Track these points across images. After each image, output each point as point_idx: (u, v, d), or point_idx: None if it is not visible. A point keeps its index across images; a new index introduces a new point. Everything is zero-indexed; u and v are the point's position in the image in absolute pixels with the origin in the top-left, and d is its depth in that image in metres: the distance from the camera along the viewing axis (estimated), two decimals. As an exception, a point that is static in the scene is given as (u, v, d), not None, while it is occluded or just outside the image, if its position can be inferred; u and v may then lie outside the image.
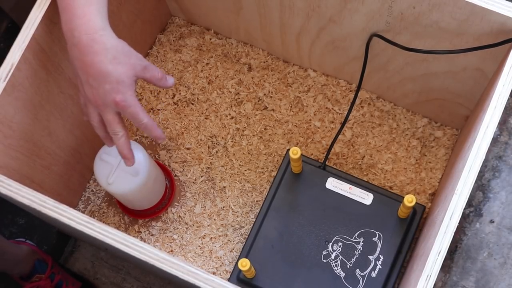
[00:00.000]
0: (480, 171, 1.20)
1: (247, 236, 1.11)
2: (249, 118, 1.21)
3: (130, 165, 0.93)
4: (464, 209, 0.81)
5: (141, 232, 1.17)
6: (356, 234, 1.08)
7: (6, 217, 1.30)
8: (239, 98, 1.23)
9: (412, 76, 1.08)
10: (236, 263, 1.08)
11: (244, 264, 0.97)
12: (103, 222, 1.18)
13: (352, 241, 1.08)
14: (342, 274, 1.06)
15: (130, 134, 1.22)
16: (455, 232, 0.80)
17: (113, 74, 0.83)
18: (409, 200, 0.99)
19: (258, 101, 1.23)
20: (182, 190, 1.19)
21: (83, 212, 1.20)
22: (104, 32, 0.83)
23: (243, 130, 1.21)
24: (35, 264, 1.22)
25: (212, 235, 1.16)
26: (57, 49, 0.95)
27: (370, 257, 1.07)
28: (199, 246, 1.15)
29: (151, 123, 0.89)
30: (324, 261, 1.07)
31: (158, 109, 1.23)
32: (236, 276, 1.08)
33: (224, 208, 1.17)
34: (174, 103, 1.24)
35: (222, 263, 1.14)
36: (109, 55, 0.83)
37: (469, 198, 0.93)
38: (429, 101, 1.14)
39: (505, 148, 1.22)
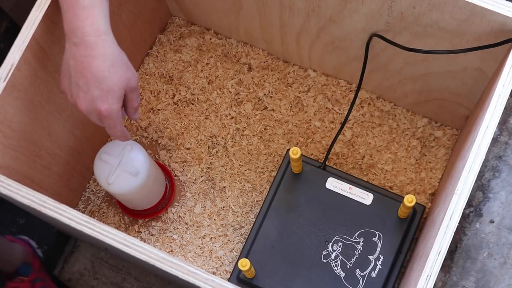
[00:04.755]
0: (480, 171, 1.20)
1: (247, 236, 1.11)
2: (249, 118, 1.21)
3: (125, 140, 0.95)
4: (464, 209, 0.81)
5: (141, 232, 1.17)
6: (356, 234, 1.08)
7: (6, 217, 1.30)
8: (239, 98, 1.23)
9: (412, 76, 1.08)
10: (236, 263, 1.08)
11: (244, 264, 0.97)
12: (103, 222, 1.18)
13: (352, 241, 1.08)
14: (342, 274, 1.06)
15: (130, 134, 1.22)
16: (455, 232, 0.80)
17: (106, 82, 0.83)
18: (409, 200, 0.99)
19: (258, 101, 1.23)
20: (182, 190, 1.19)
21: (83, 212, 1.20)
22: (107, 37, 0.83)
23: (243, 130, 1.21)
24: (20, 266, 1.22)
25: (212, 235, 1.16)
26: (57, 49, 0.95)
27: (370, 257, 1.07)
28: (199, 246, 1.16)
29: (124, 136, 0.92)
30: (324, 261, 1.07)
31: (158, 109, 1.23)
32: (236, 276, 1.08)
33: (224, 208, 1.17)
34: (174, 103, 1.24)
35: (222, 263, 1.14)
36: (107, 62, 0.83)
37: (469, 198, 0.93)
38: (429, 101, 1.14)
39: (505, 148, 1.22)
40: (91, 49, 0.82)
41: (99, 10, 0.82)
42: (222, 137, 1.21)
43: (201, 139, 1.21)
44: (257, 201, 1.17)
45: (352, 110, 1.19)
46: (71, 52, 0.83)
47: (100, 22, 0.82)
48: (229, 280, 1.09)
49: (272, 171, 1.18)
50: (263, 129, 1.21)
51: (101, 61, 0.82)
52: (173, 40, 1.28)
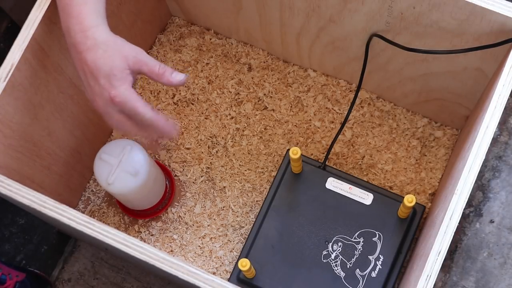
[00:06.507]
0: (480, 171, 1.20)
1: (247, 236, 1.11)
2: (249, 118, 1.21)
3: (174, 136, 0.88)
4: (464, 209, 0.81)
5: (141, 232, 1.17)
6: (356, 234, 1.08)
7: (6, 217, 1.30)
8: (239, 98, 1.23)
9: (412, 76, 1.08)
10: (236, 263, 1.08)
11: (244, 264, 0.97)
12: (103, 222, 1.18)
13: (352, 241, 1.08)
14: (342, 274, 1.06)
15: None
16: (455, 232, 0.80)
17: (103, 68, 0.81)
18: (409, 200, 0.99)
19: (258, 101, 1.23)
20: (182, 190, 1.19)
21: (83, 212, 1.20)
22: (97, 28, 0.82)
23: (243, 130, 1.21)
24: None
25: (212, 235, 1.16)
26: (57, 49, 0.95)
27: (370, 257, 1.07)
28: (199, 246, 1.16)
29: (156, 117, 0.84)
30: (324, 261, 1.07)
31: (158, 109, 1.23)
32: (236, 276, 1.08)
33: (224, 208, 1.17)
34: (174, 103, 1.24)
35: (222, 263, 1.14)
36: (100, 50, 0.82)
37: (469, 198, 0.93)
38: (429, 101, 1.14)
39: (505, 148, 1.22)
40: (83, 43, 0.81)
41: (90, 7, 0.82)
42: (222, 137, 1.21)
43: (201, 139, 1.21)
44: (257, 201, 1.17)
45: (352, 110, 1.19)
46: (72, 54, 0.84)
47: (91, 17, 0.82)
48: (229, 280, 1.09)
49: (272, 171, 1.18)
50: (263, 129, 1.21)
51: (93, 52, 0.81)
52: (173, 40, 1.28)
